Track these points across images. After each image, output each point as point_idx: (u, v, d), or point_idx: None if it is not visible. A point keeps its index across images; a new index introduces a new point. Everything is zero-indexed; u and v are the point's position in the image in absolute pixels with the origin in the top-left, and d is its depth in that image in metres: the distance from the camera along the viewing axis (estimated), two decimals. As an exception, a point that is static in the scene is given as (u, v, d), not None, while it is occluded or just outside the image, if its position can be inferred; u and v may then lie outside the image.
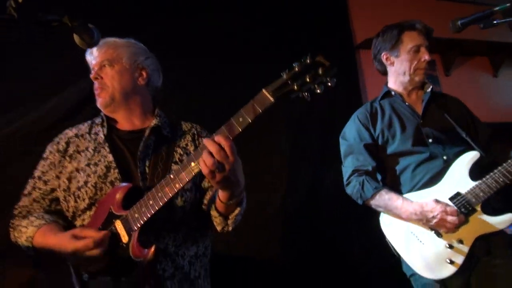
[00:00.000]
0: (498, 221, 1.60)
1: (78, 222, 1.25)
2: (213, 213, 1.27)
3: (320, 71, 0.97)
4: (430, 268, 1.60)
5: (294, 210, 2.50)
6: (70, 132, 1.41)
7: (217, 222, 1.27)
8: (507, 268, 1.62)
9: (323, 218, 2.52)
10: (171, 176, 1.13)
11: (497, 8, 1.28)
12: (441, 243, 1.62)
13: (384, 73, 2.07)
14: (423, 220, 1.61)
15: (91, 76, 1.41)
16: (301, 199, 2.49)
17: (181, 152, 1.38)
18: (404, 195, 1.73)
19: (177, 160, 1.36)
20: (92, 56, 1.42)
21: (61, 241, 1.14)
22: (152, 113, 1.47)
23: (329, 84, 0.99)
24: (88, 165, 1.29)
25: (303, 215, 2.50)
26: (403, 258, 1.67)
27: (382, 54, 1.98)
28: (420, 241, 1.65)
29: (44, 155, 1.38)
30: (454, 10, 3.62)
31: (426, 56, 1.84)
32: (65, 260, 1.15)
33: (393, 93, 1.93)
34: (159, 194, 1.13)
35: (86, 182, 1.25)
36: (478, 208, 1.63)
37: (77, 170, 1.29)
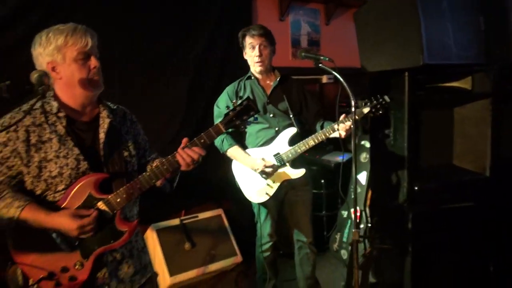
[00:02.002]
0: (296, 173, 2.48)
1: (48, 199, 1.45)
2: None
3: (250, 113, 1.56)
4: (254, 196, 2.52)
5: (196, 123, 3.23)
6: (26, 121, 1.43)
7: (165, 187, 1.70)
8: (304, 196, 2.63)
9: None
10: (147, 173, 1.51)
11: (321, 57, 2.08)
12: (263, 181, 2.50)
13: None
14: (253, 168, 2.45)
15: (95, 61, 1.48)
16: (194, 129, 3.14)
17: (127, 137, 1.63)
18: (248, 149, 2.55)
19: (127, 147, 1.61)
20: (93, 41, 1.47)
21: (60, 220, 1.38)
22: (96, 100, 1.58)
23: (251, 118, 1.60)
24: (57, 157, 1.44)
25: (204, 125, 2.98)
26: (241, 188, 2.58)
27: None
28: (252, 179, 2.52)
29: (0, 140, 1.41)
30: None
31: (255, 53, 2.44)
32: (49, 231, 1.42)
33: (252, 77, 2.56)
34: (138, 186, 1.50)
35: (60, 173, 1.43)
36: (288, 164, 2.47)
37: (46, 160, 1.43)
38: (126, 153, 1.61)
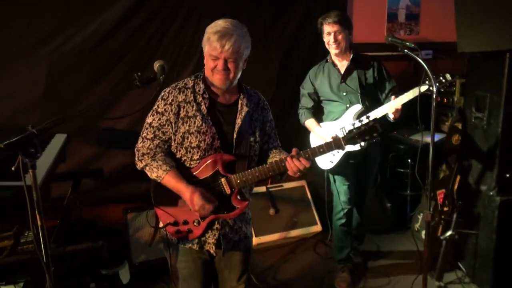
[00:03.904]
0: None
1: (185, 164, 1.71)
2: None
3: (374, 134, 1.61)
4: (321, 163, 2.80)
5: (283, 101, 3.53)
6: (179, 97, 1.67)
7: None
8: (374, 161, 2.90)
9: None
10: (267, 166, 1.64)
11: (407, 43, 2.16)
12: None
13: None
14: (323, 138, 2.70)
15: (220, 66, 1.57)
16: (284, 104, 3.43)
17: (256, 124, 1.76)
18: (322, 123, 2.82)
19: (253, 131, 1.74)
20: (221, 44, 1.54)
21: (192, 194, 1.63)
22: (237, 87, 1.75)
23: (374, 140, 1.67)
24: (198, 132, 1.65)
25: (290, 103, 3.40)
26: None
27: None
28: None
29: (159, 110, 1.68)
30: None
31: (331, 39, 2.63)
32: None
33: (329, 60, 2.81)
34: (256, 174, 1.64)
35: (198, 146, 1.66)
36: None
37: (189, 132, 1.66)
38: (251, 138, 1.74)
